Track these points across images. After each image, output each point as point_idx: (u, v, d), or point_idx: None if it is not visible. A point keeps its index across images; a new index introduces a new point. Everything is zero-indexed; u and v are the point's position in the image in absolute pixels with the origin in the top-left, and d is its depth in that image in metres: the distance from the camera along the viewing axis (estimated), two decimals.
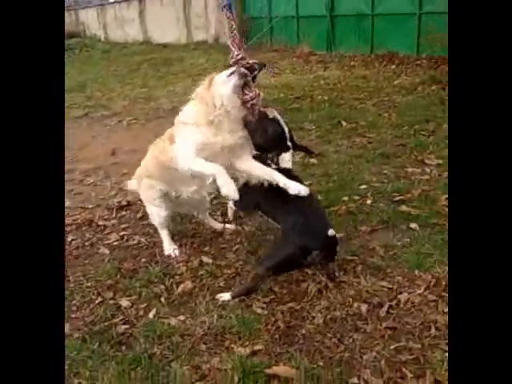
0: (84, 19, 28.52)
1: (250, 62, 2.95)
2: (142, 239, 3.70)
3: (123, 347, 2.55)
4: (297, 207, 2.85)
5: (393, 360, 2.32)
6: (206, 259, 3.34)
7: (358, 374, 2.26)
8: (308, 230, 2.78)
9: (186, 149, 2.98)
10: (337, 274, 2.99)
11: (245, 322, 2.64)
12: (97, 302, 2.97)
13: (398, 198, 3.91)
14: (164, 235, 3.56)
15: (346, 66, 10.64)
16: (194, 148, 2.95)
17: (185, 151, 2.98)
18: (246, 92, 2.88)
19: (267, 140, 2.97)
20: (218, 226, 3.77)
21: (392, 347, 2.39)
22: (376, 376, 2.23)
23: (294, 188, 2.85)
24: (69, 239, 3.75)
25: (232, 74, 2.90)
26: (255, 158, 3.06)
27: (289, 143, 3.03)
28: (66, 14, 29.29)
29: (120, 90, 10.16)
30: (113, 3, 25.16)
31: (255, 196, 3.06)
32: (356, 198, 4.00)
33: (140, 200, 4.23)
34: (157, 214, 3.50)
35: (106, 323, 2.75)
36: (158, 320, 2.75)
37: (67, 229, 3.92)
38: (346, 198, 3.99)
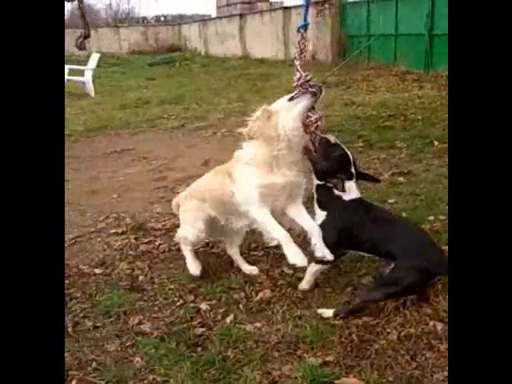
0: (186, 34, 29.55)
1: (313, 83, 2.91)
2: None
3: (199, 349, 2.64)
4: (405, 230, 2.88)
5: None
6: (286, 270, 3.39)
7: None
8: (425, 251, 2.76)
9: (249, 192, 2.98)
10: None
11: (319, 333, 2.67)
12: (178, 304, 3.09)
13: None
14: (189, 255, 3.46)
15: (442, 85, 10.43)
16: (258, 193, 2.94)
17: (248, 195, 2.99)
18: (310, 114, 2.88)
19: (332, 164, 2.91)
20: (245, 267, 3.51)
21: None
22: None
23: (293, 257, 2.88)
24: (157, 243, 3.92)
25: (293, 98, 2.91)
26: (320, 187, 3.02)
27: (353, 170, 2.96)
28: (169, 29, 30.52)
29: (216, 102, 10.46)
30: (214, 19, 25.96)
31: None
32: (442, 217, 3.93)
33: None
34: (194, 236, 3.39)
35: (184, 325, 2.85)
36: (234, 325, 2.82)
37: (156, 233, 4.10)
38: (431, 218, 3.93)
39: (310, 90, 2.88)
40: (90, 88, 13.03)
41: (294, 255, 2.87)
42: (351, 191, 2.94)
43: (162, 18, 35.09)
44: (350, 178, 2.94)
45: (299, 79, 2.90)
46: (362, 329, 2.71)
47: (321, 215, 3.01)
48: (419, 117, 7.57)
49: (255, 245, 3.75)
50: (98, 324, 2.92)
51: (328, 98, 10.07)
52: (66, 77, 12.81)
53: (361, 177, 3.06)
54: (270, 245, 3.26)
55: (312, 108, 2.89)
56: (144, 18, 36.83)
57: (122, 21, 36.98)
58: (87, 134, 8.27)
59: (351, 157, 2.96)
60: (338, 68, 13.64)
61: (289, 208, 3.07)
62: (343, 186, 2.90)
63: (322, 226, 2.98)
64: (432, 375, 2.34)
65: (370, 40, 14.91)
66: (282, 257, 3.53)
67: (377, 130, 6.95)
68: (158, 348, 2.64)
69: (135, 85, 14.91)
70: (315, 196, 3.06)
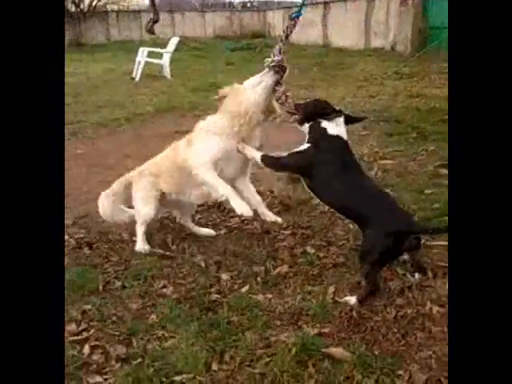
0: (270, 20, 29.68)
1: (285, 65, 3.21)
2: (258, 225, 4.00)
3: (210, 313, 2.86)
4: (371, 191, 3.00)
5: (444, 360, 2.39)
6: (309, 249, 3.57)
7: (406, 367, 2.37)
8: (399, 216, 2.88)
9: (202, 156, 3.28)
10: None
11: (322, 307, 2.84)
12: (201, 272, 3.33)
13: None
14: (140, 233, 3.68)
15: None
16: (212, 157, 3.26)
17: (201, 158, 3.28)
18: (277, 88, 3.20)
19: (314, 105, 3.16)
20: (202, 231, 3.92)
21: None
22: (422, 372, 2.33)
23: (239, 208, 3.19)
24: (196, 218, 4.17)
25: (263, 75, 3.23)
26: (311, 126, 3.17)
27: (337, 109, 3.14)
28: (255, 15, 30.76)
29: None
30: (297, 6, 25.92)
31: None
32: None
33: (270, 191, 4.60)
34: (145, 213, 3.64)
35: (202, 291, 3.09)
36: (247, 295, 3.03)
37: (198, 209, 4.35)
38: None
39: (276, 69, 3.19)
40: (167, 71, 13.47)
41: (240, 207, 3.20)
42: (339, 128, 3.09)
43: (249, 4, 35.39)
44: (339, 115, 3.12)
45: (279, 61, 3.20)
46: (364, 306, 2.85)
47: (303, 146, 3.16)
48: None
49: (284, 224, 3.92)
50: (126, 285, 3.20)
51: (396, 89, 10.05)
52: (146, 59, 13.33)
53: (349, 118, 3.21)
54: (219, 201, 3.46)
55: (279, 83, 3.21)
56: (230, 4, 37.27)
57: (209, 6, 37.57)
58: (155, 114, 8.63)
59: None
60: (415, 59, 13.43)
61: (238, 181, 3.47)
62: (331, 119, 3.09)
63: (298, 152, 3.15)
64: (416, 353, 2.47)
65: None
66: (308, 237, 3.74)
67: (435, 123, 6.90)
68: (173, 309, 2.88)
69: (213, 69, 15.25)
70: (307, 137, 3.19)
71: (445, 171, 4.92)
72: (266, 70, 3.22)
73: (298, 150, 3.16)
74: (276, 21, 29.02)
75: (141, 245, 3.66)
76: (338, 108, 3.18)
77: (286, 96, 3.21)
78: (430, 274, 3.10)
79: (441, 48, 14.41)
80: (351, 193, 2.98)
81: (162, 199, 3.65)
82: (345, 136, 3.10)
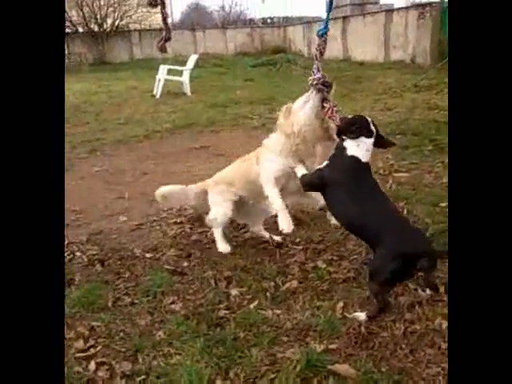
0: (291, 35, 29.83)
1: (325, 80, 3.27)
2: (271, 239, 3.99)
3: (218, 329, 2.85)
4: (390, 220, 2.92)
5: None
6: (320, 264, 3.54)
7: None
8: (411, 238, 2.81)
9: (266, 173, 3.51)
10: (438, 286, 3.02)
11: (330, 323, 2.81)
12: (211, 288, 3.32)
13: None
14: (219, 234, 3.92)
15: None
16: (274, 174, 3.47)
17: (265, 175, 3.51)
18: (325, 105, 3.26)
19: (350, 121, 3.10)
20: (274, 238, 4.00)
21: None
22: None
23: (282, 224, 3.38)
24: (209, 233, 4.17)
25: (309, 95, 3.32)
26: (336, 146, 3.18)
27: (372, 128, 3.06)
28: (275, 30, 30.95)
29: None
30: (318, 21, 26.06)
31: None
32: None
33: None
34: (222, 214, 3.85)
35: (210, 307, 3.08)
36: (256, 311, 3.01)
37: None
38: None
39: (316, 86, 3.25)
40: (187, 87, 13.59)
41: (284, 223, 3.36)
42: (359, 149, 3.02)
43: (269, 20, 35.59)
44: (367, 136, 3.04)
45: (320, 79, 3.26)
46: (374, 322, 2.82)
47: (324, 163, 3.15)
48: None
49: (294, 239, 3.91)
50: (136, 301, 3.20)
51: (414, 101, 9.99)
52: (166, 76, 13.47)
53: (379, 141, 3.13)
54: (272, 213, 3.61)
55: (326, 100, 3.28)
56: (251, 20, 37.52)
57: (230, 23, 37.87)
58: (173, 130, 8.70)
59: (370, 119, 3.10)
60: (434, 71, 13.36)
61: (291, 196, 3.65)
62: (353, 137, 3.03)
63: (317, 169, 3.18)
64: (424, 370, 2.42)
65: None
66: (320, 252, 3.72)
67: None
68: (181, 325, 2.88)
69: (232, 85, 15.34)
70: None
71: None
72: (311, 89, 3.30)
73: (317, 167, 3.20)
74: (296, 36, 29.12)
75: (222, 246, 3.88)
76: (374, 128, 3.08)
77: (334, 111, 3.24)
78: (441, 290, 3.04)
79: None
80: (362, 214, 2.93)
81: (239, 203, 3.87)
82: (364, 158, 3.03)
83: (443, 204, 4.37)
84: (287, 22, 32.51)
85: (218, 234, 3.92)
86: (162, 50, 6.33)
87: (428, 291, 3.01)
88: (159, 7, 5.94)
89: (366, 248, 3.62)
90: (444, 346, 2.57)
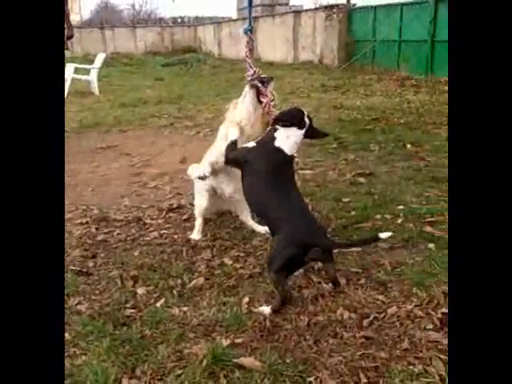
0: (201, 35, 29.84)
1: (262, 76, 3.58)
2: (179, 238, 3.99)
3: (124, 328, 2.82)
4: (290, 211, 3.03)
5: (354, 365, 2.43)
6: (227, 260, 3.57)
7: (317, 374, 2.40)
8: (304, 228, 2.93)
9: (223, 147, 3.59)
10: (339, 279, 3.14)
11: (236, 318, 2.84)
12: (117, 288, 3.28)
13: (428, 220, 3.96)
14: (198, 223, 4.03)
15: (439, 91, 10.54)
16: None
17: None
18: (262, 99, 3.52)
19: (284, 112, 3.30)
20: (259, 228, 3.98)
21: (358, 353, 2.50)
22: (332, 378, 2.36)
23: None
24: (115, 233, 4.12)
25: (246, 90, 3.61)
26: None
27: (306, 119, 3.25)
28: (185, 30, 30.87)
29: (211, 103, 10.68)
30: (228, 21, 26.24)
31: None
32: (388, 216, 4.08)
33: (190, 204, 4.61)
34: (199, 204, 4.00)
35: (116, 306, 3.05)
36: (162, 308, 3.00)
37: (117, 224, 4.30)
38: (378, 216, 4.09)
39: (251, 82, 3.57)
40: (95, 87, 13.30)
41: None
42: (287, 141, 3.18)
43: (180, 20, 35.39)
44: (299, 127, 3.21)
45: (253, 74, 3.60)
46: (279, 315, 2.88)
47: (251, 143, 3.36)
48: (402, 121, 7.71)
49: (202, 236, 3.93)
50: None
51: (320, 101, 10.26)
52: (72, 75, 13.12)
53: (312, 132, 3.34)
54: None
55: (262, 95, 3.56)
56: (161, 19, 37.18)
57: (140, 21, 37.41)
58: (80, 130, 8.49)
59: (306, 112, 3.30)
60: (341, 71, 13.77)
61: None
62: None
63: (244, 147, 3.39)
64: (327, 359, 2.50)
65: (372, 45, 15.05)
66: (227, 249, 3.75)
67: (356, 133, 7.11)
68: (87, 325, 2.82)
69: (142, 85, 15.16)
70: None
71: (362, 179, 5.07)
72: (247, 84, 3.58)
73: (244, 145, 3.39)
74: (207, 36, 29.18)
75: (194, 233, 3.99)
76: (307, 120, 3.26)
77: (270, 106, 3.49)
78: (343, 281, 3.16)
79: (365, 60, 14.91)
80: (266, 201, 3.09)
81: (214, 194, 3.97)
82: (289, 151, 3.18)
83: (346, 199, 4.53)
84: (198, 21, 32.46)
85: (197, 222, 4.04)
86: (65, 48, 6.20)
87: (330, 285, 3.11)
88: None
89: (271, 243, 3.69)
90: (346, 335, 2.66)
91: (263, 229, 3.90)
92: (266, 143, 3.23)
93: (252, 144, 3.31)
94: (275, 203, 3.05)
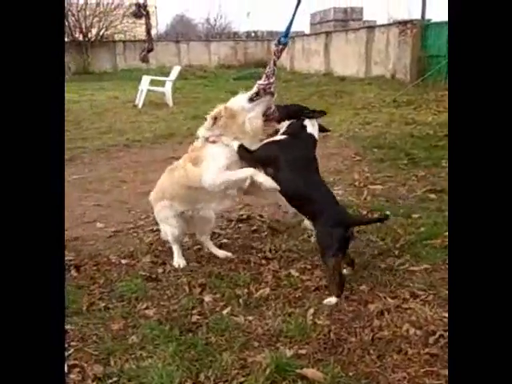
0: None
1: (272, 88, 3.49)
2: (247, 248, 4.04)
3: (190, 334, 2.89)
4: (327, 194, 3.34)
5: (417, 382, 2.40)
6: (293, 272, 3.59)
7: None
8: (342, 208, 3.38)
9: (215, 166, 3.50)
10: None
11: (301, 329, 2.86)
12: (185, 294, 3.36)
13: None
14: (175, 250, 3.90)
15: None
16: (224, 165, 3.50)
17: (214, 169, 3.50)
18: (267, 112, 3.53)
19: (296, 106, 3.55)
20: (219, 252, 3.97)
21: (422, 370, 2.47)
22: None
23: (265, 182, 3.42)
24: (184, 241, 4.21)
25: (253, 99, 3.50)
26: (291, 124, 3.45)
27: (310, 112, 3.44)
28: (259, 44, 31.18)
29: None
30: (301, 36, 26.37)
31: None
32: None
33: (259, 215, 4.67)
34: (171, 232, 3.84)
35: (183, 312, 3.12)
36: (228, 316, 3.05)
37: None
38: (447, 233, 4.01)
39: (270, 91, 3.48)
40: (169, 98, 13.64)
41: (268, 181, 3.40)
42: (314, 129, 3.44)
43: (253, 34, 35.80)
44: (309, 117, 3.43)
45: (267, 84, 3.47)
46: (343, 329, 2.88)
47: (279, 137, 3.46)
48: None
49: (269, 247, 3.97)
50: (110, 306, 3.23)
51: (392, 116, 10.15)
52: (148, 87, 13.52)
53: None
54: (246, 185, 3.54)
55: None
56: (235, 33, 37.74)
57: (214, 35, 38.10)
58: (154, 140, 8.74)
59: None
60: (413, 87, 13.58)
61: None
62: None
63: (270, 142, 3.47)
64: (391, 374, 2.48)
65: (446, 61, 14.76)
66: (294, 260, 3.77)
67: (427, 149, 7.01)
68: (154, 330, 2.91)
69: (215, 97, 15.41)
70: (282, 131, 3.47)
71: (433, 196, 4.99)
72: (260, 92, 3.49)
73: (271, 140, 3.45)
74: None
75: (176, 260, 3.85)
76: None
77: (273, 117, 3.53)
78: (408, 296, 3.13)
79: (438, 76, 14.62)
80: (307, 187, 3.31)
81: (181, 218, 3.82)
82: (316, 135, 3.45)
83: (415, 215, 4.47)
84: (271, 36, 32.71)
85: (173, 248, 3.92)
86: (145, 60, 6.45)
87: (347, 269, 3.40)
88: (144, 18, 6.03)
89: None
90: (410, 351, 2.63)
91: (223, 253, 3.94)
92: (299, 132, 3.39)
93: (280, 137, 3.42)
94: (313, 187, 3.29)
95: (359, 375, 2.48)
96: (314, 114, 3.43)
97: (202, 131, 3.68)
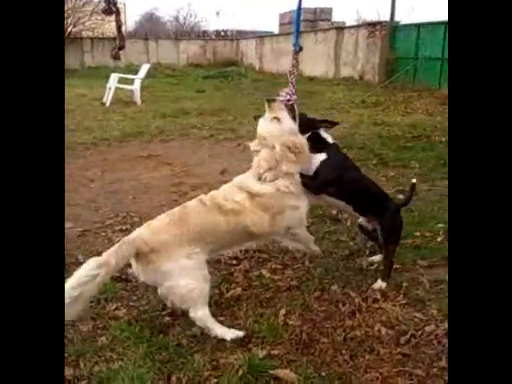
0: (243, 49, 30.07)
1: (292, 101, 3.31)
2: None
3: (161, 335, 2.85)
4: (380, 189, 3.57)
5: (390, 381, 2.42)
6: (264, 272, 3.58)
7: None
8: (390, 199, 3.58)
9: (301, 220, 3.15)
10: None
11: (273, 329, 2.85)
12: (155, 295, 3.31)
13: None
14: (211, 320, 2.87)
15: None
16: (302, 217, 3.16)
17: (294, 219, 3.10)
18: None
19: (313, 119, 3.50)
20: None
21: (395, 370, 2.48)
22: None
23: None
24: None
25: (279, 119, 3.11)
26: (311, 137, 3.30)
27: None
28: (228, 43, 31.17)
29: (253, 116, 10.72)
30: (271, 36, 26.42)
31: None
32: (428, 234, 4.05)
33: None
34: (200, 289, 2.82)
35: (154, 313, 3.08)
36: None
37: None
38: (417, 234, 4.06)
39: (290, 104, 3.26)
40: (137, 96, 13.52)
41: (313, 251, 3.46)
42: (329, 137, 3.41)
43: (222, 33, 35.77)
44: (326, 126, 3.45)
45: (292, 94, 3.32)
46: (315, 329, 2.88)
47: (321, 156, 3.29)
48: (443, 139, 7.63)
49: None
50: None
51: (360, 117, 10.23)
52: (116, 84, 13.37)
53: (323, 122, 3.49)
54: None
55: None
56: (205, 32, 37.65)
57: (183, 34, 37.94)
58: (122, 139, 8.63)
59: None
60: (381, 88, 13.72)
61: None
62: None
63: (324, 164, 3.29)
64: (363, 374, 2.49)
65: (413, 63, 14.97)
66: (264, 261, 3.76)
67: (396, 150, 7.09)
68: (124, 331, 2.87)
69: (183, 96, 15.36)
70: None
71: (402, 197, 5.01)
72: (285, 107, 3.22)
73: (321, 163, 3.28)
74: (248, 49, 29.39)
75: (228, 334, 2.84)
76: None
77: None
78: (379, 296, 3.15)
79: (406, 78, 14.80)
80: (368, 184, 3.50)
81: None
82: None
83: None
84: (240, 35, 32.75)
85: (209, 321, 2.86)
86: (116, 57, 6.35)
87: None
88: (114, 15, 5.95)
89: (309, 257, 3.70)
90: (382, 351, 2.64)
91: None
92: (324, 147, 3.32)
93: (322, 157, 3.27)
94: (372, 187, 3.49)
95: (332, 375, 2.48)
96: (330, 125, 3.45)
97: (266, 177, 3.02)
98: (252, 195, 2.97)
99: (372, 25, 18.07)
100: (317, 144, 3.29)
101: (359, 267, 3.60)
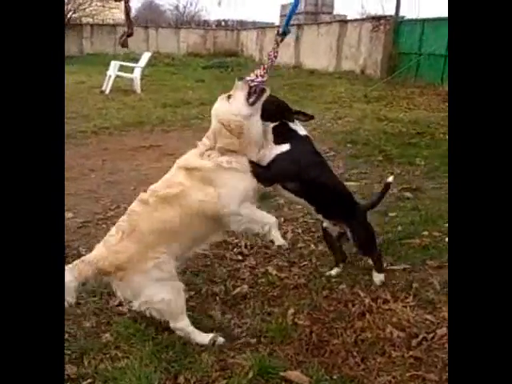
0: (244, 40, 29.95)
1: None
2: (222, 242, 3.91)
3: (166, 333, 2.78)
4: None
5: None
6: (270, 269, 3.52)
7: None
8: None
9: (236, 194, 2.78)
10: None
11: (282, 329, 2.78)
12: None
13: None
14: (193, 332, 2.75)
15: None
16: (244, 194, 2.80)
17: (235, 196, 2.77)
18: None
19: (282, 106, 3.09)
20: None
21: (408, 374, 2.42)
22: None
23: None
24: None
25: (253, 102, 2.86)
26: (276, 127, 3.02)
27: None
28: (228, 34, 31.03)
29: None
30: (272, 27, 26.27)
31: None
32: (436, 234, 3.98)
33: None
34: (175, 301, 2.72)
35: None
36: (206, 315, 2.96)
37: None
38: (425, 233, 3.99)
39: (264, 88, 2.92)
40: (137, 85, 13.40)
41: (280, 239, 2.86)
42: (301, 128, 3.11)
43: (223, 23, 35.60)
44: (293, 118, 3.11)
45: (262, 82, 2.93)
46: (325, 329, 2.81)
47: (283, 147, 2.99)
48: (447, 137, 7.56)
49: (245, 242, 3.88)
50: (81, 301, 3.08)
51: (363, 112, 10.16)
52: (116, 72, 13.25)
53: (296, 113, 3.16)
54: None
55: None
56: (205, 22, 37.46)
57: (184, 23, 37.75)
58: (123, 128, 8.55)
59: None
60: (384, 84, 13.64)
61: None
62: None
63: (282, 155, 2.99)
64: (376, 378, 2.42)
65: (416, 59, 14.90)
66: (270, 257, 3.69)
67: (400, 146, 7.02)
68: (129, 327, 2.80)
69: (183, 85, 15.26)
70: (271, 137, 3.03)
71: (409, 194, 4.97)
72: (257, 89, 2.92)
73: (279, 153, 2.99)
74: (249, 40, 29.25)
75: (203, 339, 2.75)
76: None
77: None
78: (389, 297, 3.09)
79: (409, 73, 14.74)
80: (337, 182, 3.29)
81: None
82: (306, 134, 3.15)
83: (392, 214, 4.44)
84: (241, 25, 32.62)
85: (188, 328, 2.76)
86: (124, 45, 6.21)
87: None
88: (123, 1, 5.82)
89: (316, 254, 3.64)
90: (394, 354, 2.58)
91: None
92: (294, 138, 3.04)
93: (282, 149, 2.99)
94: (341, 187, 3.28)
95: (344, 378, 2.42)
96: (304, 118, 3.14)
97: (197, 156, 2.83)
98: (190, 170, 2.77)
99: (377, 19, 17.97)
100: (283, 135, 3.03)
101: (367, 266, 3.52)
